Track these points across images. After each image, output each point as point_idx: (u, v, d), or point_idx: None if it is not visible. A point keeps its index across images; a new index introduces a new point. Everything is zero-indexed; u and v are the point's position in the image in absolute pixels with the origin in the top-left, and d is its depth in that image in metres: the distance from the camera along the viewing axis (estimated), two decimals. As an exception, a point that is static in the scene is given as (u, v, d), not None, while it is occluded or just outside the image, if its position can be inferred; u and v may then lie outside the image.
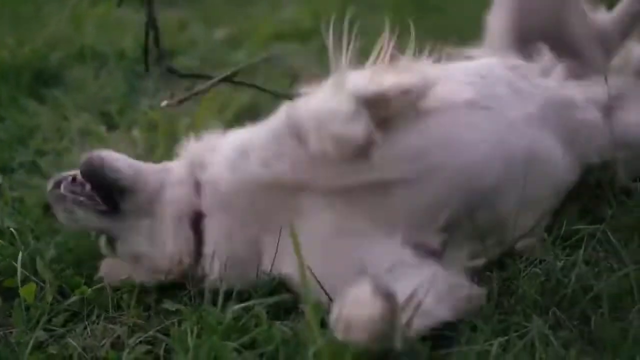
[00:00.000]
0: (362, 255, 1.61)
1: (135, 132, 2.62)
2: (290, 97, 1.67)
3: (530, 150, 1.73)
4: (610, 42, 2.09)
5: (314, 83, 1.71)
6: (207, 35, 3.96)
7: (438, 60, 1.83)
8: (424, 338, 1.52)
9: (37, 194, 2.18)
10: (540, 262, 1.78)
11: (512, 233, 1.76)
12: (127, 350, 1.61)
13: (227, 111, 2.79)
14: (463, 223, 1.67)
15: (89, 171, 1.78)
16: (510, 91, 1.80)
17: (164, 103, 1.81)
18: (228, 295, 1.68)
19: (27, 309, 1.74)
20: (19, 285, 1.78)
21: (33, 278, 1.81)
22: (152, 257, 1.77)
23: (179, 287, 1.81)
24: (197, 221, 1.76)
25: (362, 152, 1.57)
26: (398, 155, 1.62)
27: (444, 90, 1.69)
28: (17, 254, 1.83)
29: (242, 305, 1.66)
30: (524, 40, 2.02)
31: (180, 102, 1.79)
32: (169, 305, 1.77)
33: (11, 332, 1.70)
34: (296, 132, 1.61)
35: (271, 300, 1.68)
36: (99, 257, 1.88)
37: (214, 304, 1.68)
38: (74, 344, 1.63)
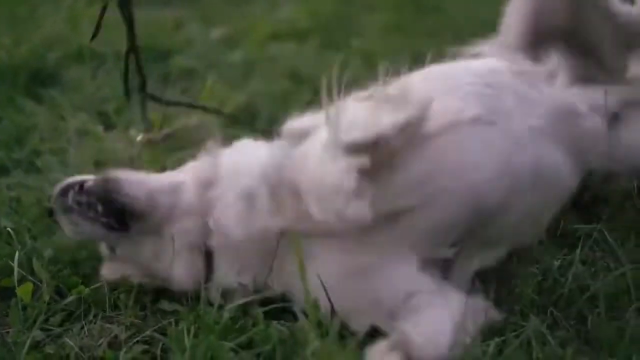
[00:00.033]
0: (377, 290, 1.60)
1: (133, 132, 2.62)
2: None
3: (537, 164, 1.71)
4: (633, 38, 2.04)
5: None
6: (203, 34, 3.96)
7: (442, 60, 1.82)
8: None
9: (34, 194, 2.18)
10: (537, 261, 1.79)
11: (517, 241, 1.76)
12: (124, 349, 1.61)
13: (223, 110, 2.79)
14: (471, 236, 1.66)
15: (103, 194, 1.76)
16: (516, 101, 1.76)
17: (139, 137, 1.79)
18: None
19: (24, 308, 1.74)
20: (16, 284, 1.78)
21: (30, 278, 1.81)
22: (156, 270, 1.77)
23: (176, 287, 1.81)
24: (208, 254, 1.74)
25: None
26: (403, 184, 1.59)
27: (446, 109, 1.66)
28: (14, 254, 1.83)
29: (239, 303, 1.66)
30: (540, 37, 1.98)
31: (154, 142, 1.76)
32: (166, 305, 1.76)
33: (8, 332, 1.69)
34: (294, 191, 1.60)
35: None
36: (96, 257, 1.88)
37: (211, 304, 1.68)
38: (71, 343, 1.63)
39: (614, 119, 1.91)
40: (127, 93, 1.28)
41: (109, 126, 2.71)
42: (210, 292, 1.72)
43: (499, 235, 1.71)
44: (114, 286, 1.81)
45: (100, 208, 1.76)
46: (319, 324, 1.51)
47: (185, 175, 1.83)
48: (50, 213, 1.82)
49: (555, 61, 1.98)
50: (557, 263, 1.77)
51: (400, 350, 1.49)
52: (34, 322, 1.70)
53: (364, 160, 1.50)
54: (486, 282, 1.69)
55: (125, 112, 2.75)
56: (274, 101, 2.96)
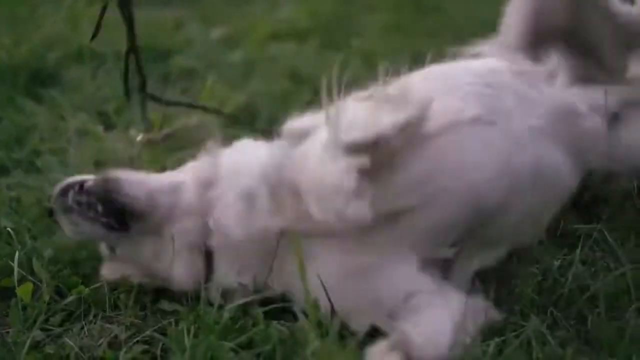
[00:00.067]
0: (377, 290, 1.60)
1: (133, 132, 2.62)
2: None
3: (537, 164, 1.71)
4: (633, 38, 2.04)
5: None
6: (203, 34, 3.96)
7: (442, 60, 1.82)
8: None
9: (34, 194, 2.18)
10: (537, 261, 1.79)
11: (517, 241, 1.76)
12: (124, 349, 1.61)
13: (223, 110, 2.79)
14: (471, 236, 1.66)
15: (103, 194, 1.75)
16: (516, 101, 1.76)
17: (139, 137, 1.78)
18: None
19: (24, 308, 1.74)
20: (16, 284, 1.78)
21: (30, 278, 1.81)
22: (156, 270, 1.77)
23: (176, 287, 1.81)
24: (208, 254, 1.74)
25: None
26: (403, 184, 1.59)
27: (446, 109, 1.66)
28: (14, 254, 1.83)
29: (239, 303, 1.66)
30: (540, 37, 1.98)
31: (154, 142, 1.76)
32: (166, 305, 1.76)
33: (8, 332, 1.69)
34: (294, 191, 1.59)
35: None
36: (96, 257, 1.88)
37: (211, 304, 1.68)
38: (71, 343, 1.63)
39: (614, 119, 1.91)
40: (127, 93, 1.27)
41: (109, 126, 2.71)
42: (210, 292, 1.72)
43: (499, 235, 1.71)
44: (114, 286, 1.81)
45: (100, 208, 1.76)
46: (319, 324, 1.51)
47: (185, 175, 1.83)
48: (50, 213, 1.82)
49: (555, 61, 1.97)
50: (557, 263, 1.77)
51: (400, 350, 1.49)
52: (34, 322, 1.70)
53: (364, 160, 1.50)
54: (486, 282, 1.70)
55: (125, 112, 2.75)
56: (274, 101, 2.96)
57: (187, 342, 1.55)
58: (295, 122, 1.83)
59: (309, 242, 1.59)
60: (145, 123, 2.33)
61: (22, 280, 1.80)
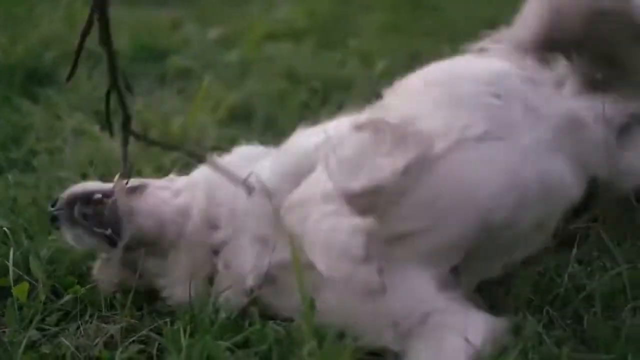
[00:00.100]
0: (391, 310, 1.56)
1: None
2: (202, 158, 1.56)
3: (543, 176, 1.69)
4: None
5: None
6: (200, 34, 3.96)
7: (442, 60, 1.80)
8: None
9: (31, 193, 2.18)
10: (534, 261, 1.79)
11: (525, 250, 1.76)
12: (120, 349, 1.61)
13: (219, 110, 2.79)
14: (479, 249, 1.64)
15: (113, 220, 1.74)
16: (524, 112, 1.74)
17: (115, 182, 1.76)
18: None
19: (20, 308, 1.74)
20: (12, 284, 1.78)
21: (26, 277, 1.81)
22: (157, 284, 1.77)
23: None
24: (212, 279, 1.74)
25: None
26: (410, 209, 1.58)
27: (451, 127, 1.65)
28: (10, 253, 1.83)
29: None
30: (554, 39, 1.95)
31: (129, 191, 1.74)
32: (162, 305, 1.76)
33: (4, 332, 1.69)
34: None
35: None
36: (93, 257, 1.87)
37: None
38: (67, 343, 1.63)
39: (623, 129, 1.90)
40: (111, 131, 1.23)
41: (105, 126, 2.70)
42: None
43: (507, 247, 1.70)
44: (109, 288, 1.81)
45: (109, 231, 1.74)
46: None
47: (192, 196, 1.80)
48: (53, 219, 1.79)
49: (563, 67, 1.93)
50: (553, 263, 1.77)
51: None
52: (30, 321, 1.69)
53: (370, 224, 1.46)
54: (483, 282, 1.70)
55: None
56: (271, 101, 2.96)
57: (183, 341, 1.55)
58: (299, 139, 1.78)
59: (315, 272, 1.53)
60: (126, 164, 2.32)
61: (18, 279, 1.79)
